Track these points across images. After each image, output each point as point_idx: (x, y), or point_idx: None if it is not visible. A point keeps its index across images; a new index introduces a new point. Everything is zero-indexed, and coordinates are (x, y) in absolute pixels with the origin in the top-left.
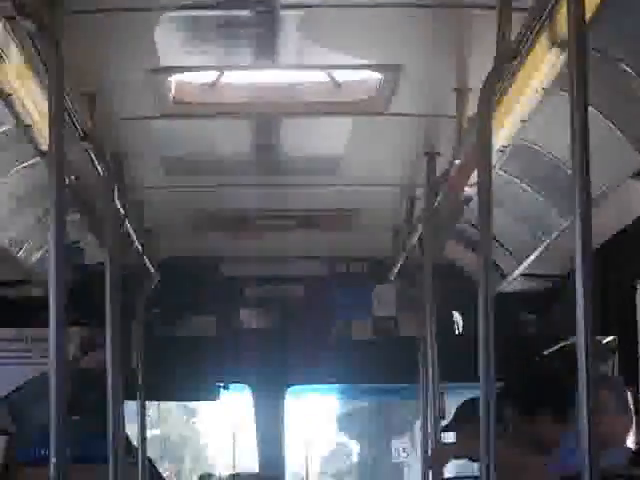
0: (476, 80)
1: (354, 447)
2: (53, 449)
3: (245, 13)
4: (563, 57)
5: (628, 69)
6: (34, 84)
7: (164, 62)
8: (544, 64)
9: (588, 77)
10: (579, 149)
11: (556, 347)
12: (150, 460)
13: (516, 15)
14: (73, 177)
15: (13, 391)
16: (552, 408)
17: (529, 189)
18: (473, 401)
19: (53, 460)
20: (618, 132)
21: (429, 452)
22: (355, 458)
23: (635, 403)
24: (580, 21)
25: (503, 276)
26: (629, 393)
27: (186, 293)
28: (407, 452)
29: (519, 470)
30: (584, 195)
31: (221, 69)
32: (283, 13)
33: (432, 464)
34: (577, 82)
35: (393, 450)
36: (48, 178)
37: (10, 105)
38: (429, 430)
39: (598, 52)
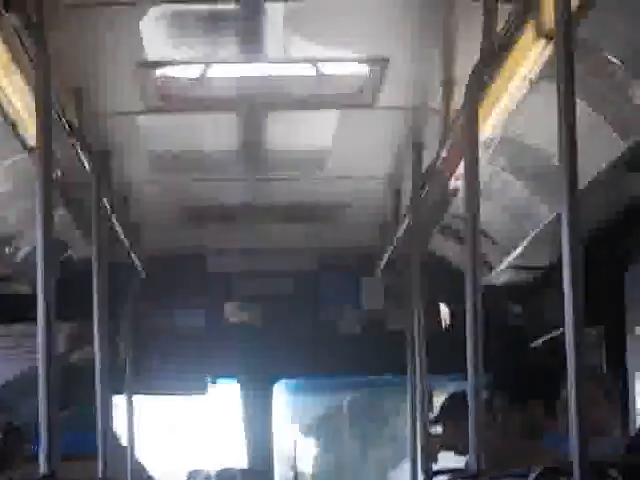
0: (463, 72)
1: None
2: (43, 444)
3: (230, 6)
4: (549, 48)
5: (614, 59)
6: (21, 80)
7: (150, 56)
8: (530, 55)
9: (574, 68)
10: (566, 140)
11: (545, 338)
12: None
13: (502, 6)
14: (59, 172)
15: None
16: (543, 398)
17: (516, 180)
18: (460, 394)
19: (43, 455)
20: (605, 123)
21: (417, 444)
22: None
23: (622, 392)
24: (567, 11)
25: (490, 268)
26: (616, 385)
27: (173, 288)
28: None
29: (517, 456)
30: (571, 187)
31: (207, 63)
32: (268, 6)
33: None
34: (564, 73)
35: None
36: (36, 174)
37: None
38: (418, 423)
39: (584, 43)
